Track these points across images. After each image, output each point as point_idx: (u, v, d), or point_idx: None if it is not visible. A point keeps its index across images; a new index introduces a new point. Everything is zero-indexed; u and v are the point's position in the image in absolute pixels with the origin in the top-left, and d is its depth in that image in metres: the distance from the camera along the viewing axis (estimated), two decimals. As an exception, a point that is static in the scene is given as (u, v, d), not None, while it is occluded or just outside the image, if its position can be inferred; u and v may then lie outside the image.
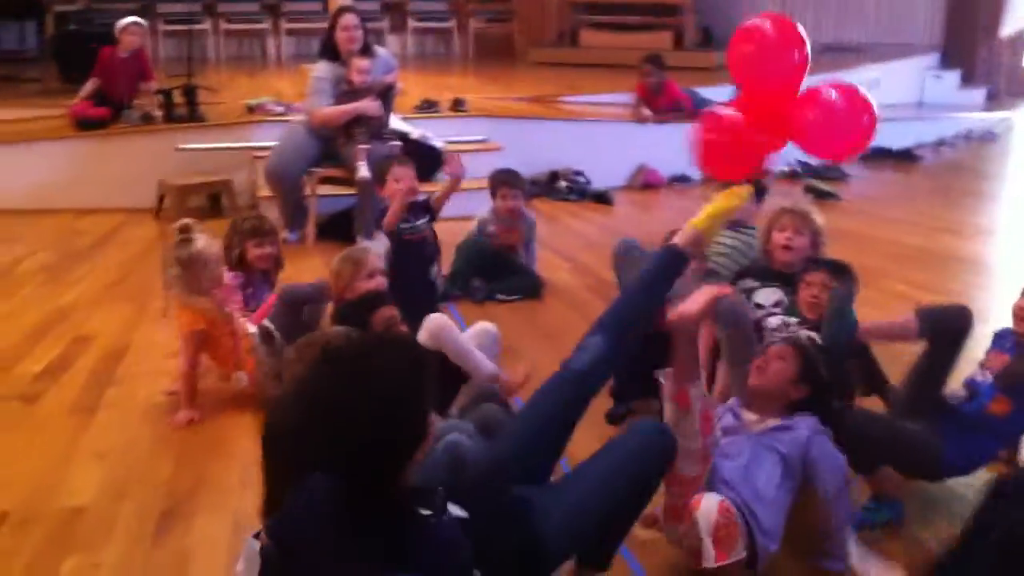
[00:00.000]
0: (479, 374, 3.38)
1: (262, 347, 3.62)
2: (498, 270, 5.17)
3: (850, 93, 2.90)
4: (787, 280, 3.69)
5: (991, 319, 3.45)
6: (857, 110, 2.93)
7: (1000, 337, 3.18)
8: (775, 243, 3.79)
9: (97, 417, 3.70)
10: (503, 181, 5.25)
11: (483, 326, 3.67)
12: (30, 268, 5.68)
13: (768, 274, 3.76)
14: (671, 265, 2.68)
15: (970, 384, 3.11)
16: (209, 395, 3.84)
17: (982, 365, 3.14)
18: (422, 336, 3.41)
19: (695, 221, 2.74)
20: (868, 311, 3.56)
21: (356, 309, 3.39)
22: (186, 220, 3.87)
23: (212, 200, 6.94)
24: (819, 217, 3.81)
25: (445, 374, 3.30)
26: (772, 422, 2.78)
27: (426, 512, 1.91)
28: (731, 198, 2.84)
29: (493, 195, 5.25)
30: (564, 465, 3.27)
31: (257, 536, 1.88)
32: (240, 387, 3.78)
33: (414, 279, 4.56)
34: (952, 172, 8.77)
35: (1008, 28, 11.54)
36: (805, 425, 2.72)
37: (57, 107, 7.62)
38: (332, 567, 1.81)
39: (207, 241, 3.80)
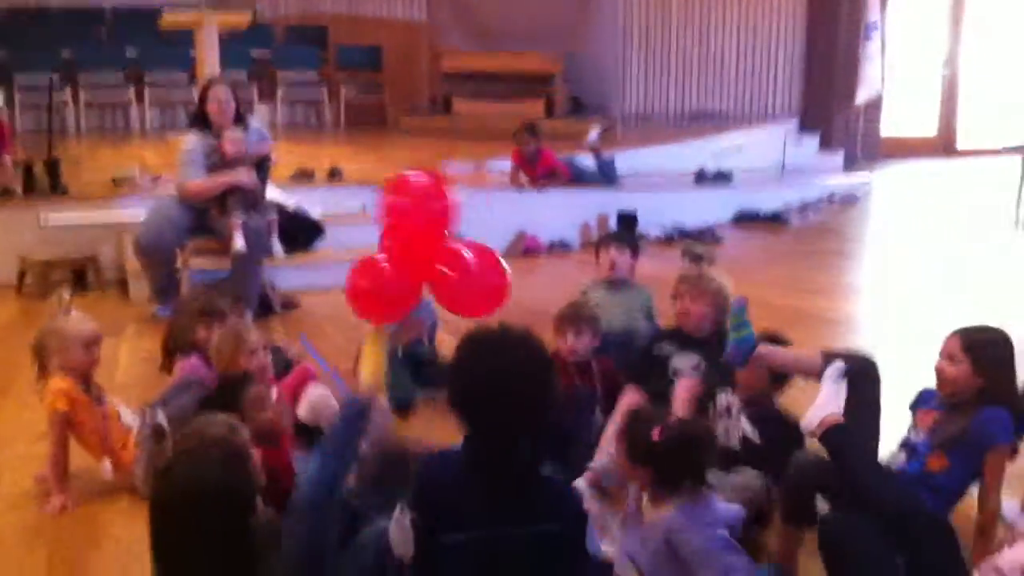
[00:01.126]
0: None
1: (150, 442, 3.38)
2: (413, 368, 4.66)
3: (486, 255, 3.15)
4: (702, 344, 3.70)
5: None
6: (492, 272, 3.19)
7: (925, 397, 3.19)
8: (677, 311, 3.83)
9: (-40, 513, 3.44)
10: None
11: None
12: None
13: (684, 339, 3.78)
14: (359, 417, 2.78)
15: (906, 445, 3.12)
16: (82, 478, 3.60)
17: (914, 425, 3.16)
18: (301, 411, 3.33)
19: (364, 378, 3.14)
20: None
21: (224, 391, 3.31)
22: (63, 293, 3.75)
23: (77, 276, 6.65)
24: (721, 277, 3.84)
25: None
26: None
27: (547, 472, 2.35)
28: (374, 344, 3.20)
29: None
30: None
31: (403, 511, 2.21)
32: (105, 478, 3.53)
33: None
34: (818, 234, 9.04)
35: (862, 95, 12.05)
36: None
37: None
38: (476, 517, 2.20)
39: (73, 320, 3.61)
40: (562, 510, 2.30)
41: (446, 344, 4.05)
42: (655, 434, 2.56)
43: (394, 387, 4.15)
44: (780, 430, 3.30)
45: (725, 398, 3.42)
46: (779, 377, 3.44)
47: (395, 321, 3.41)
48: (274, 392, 3.52)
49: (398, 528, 2.21)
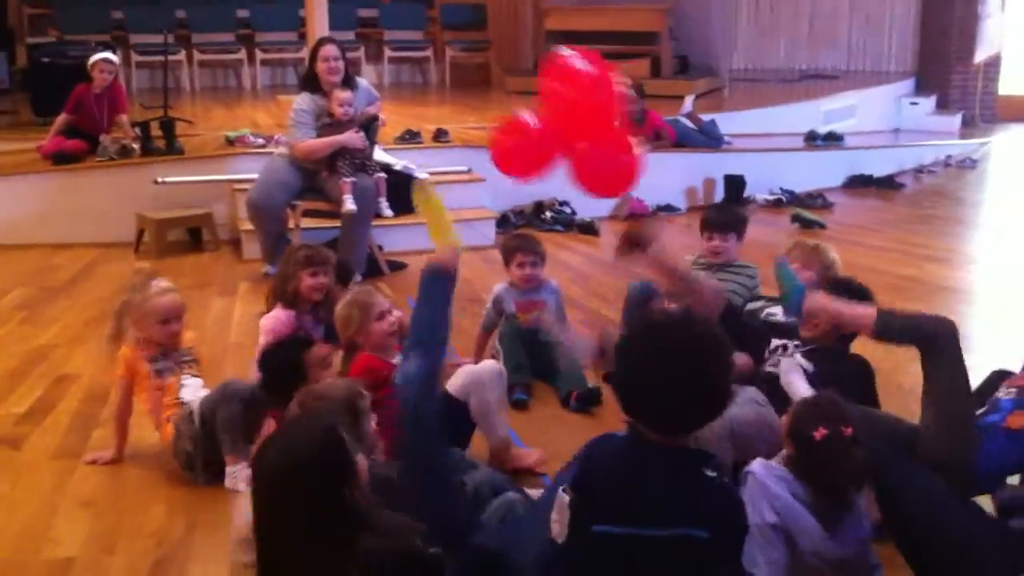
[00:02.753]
0: (492, 436, 3.39)
1: (182, 423, 3.44)
2: (537, 362, 4.39)
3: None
4: None
5: (983, 348, 3.39)
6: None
7: None
8: None
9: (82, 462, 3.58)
10: (517, 247, 4.53)
11: (490, 365, 3.58)
12: (6, 306, 5.54)
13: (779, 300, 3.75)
14: (445, 281, 2.85)
15: (993, 401, 3.05)
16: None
17: (1007, 384, 3.09)
18: (454, 382, 3.36)
19: (436, 242, 3.01)
20: (861, 342, 3.52)
21: (286, 352, 3.35)
22: (143, 266, 3.80)
23: (192, 234, 6.83)
24: (831, 252, 3.78)
25: (459, 415, 3.32)
26: None
27: (711, 473, 2.13)
28: (425, 202, 3.12)
29: (507, 264, 4.55)
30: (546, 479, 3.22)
31: (565, 491, 2.14)
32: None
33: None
34: (934, 199, 8.78)
35: (981, 54, 11.62)
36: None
37: (29, 140, 7.50)
38: (629, 511, 2.07)
39: (152, 293, 3.59)
40: (719, 517, 2.11)
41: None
42: (817, 434, 2.54)
43: (513, 370, 4.14)
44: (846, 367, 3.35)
45: (790, 344, 3.46)
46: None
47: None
48: (396, 358, 3.49)
49: (558, 509, 2.15)
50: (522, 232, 4.88)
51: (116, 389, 3.63)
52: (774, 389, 3.27)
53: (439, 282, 2.84)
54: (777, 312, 3.71)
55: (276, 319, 4.06)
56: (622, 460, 2.17)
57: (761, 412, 3.07)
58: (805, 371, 3.32)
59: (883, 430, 2.93)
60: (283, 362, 3.30)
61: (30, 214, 6.83)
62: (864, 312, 3.16)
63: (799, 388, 3.20)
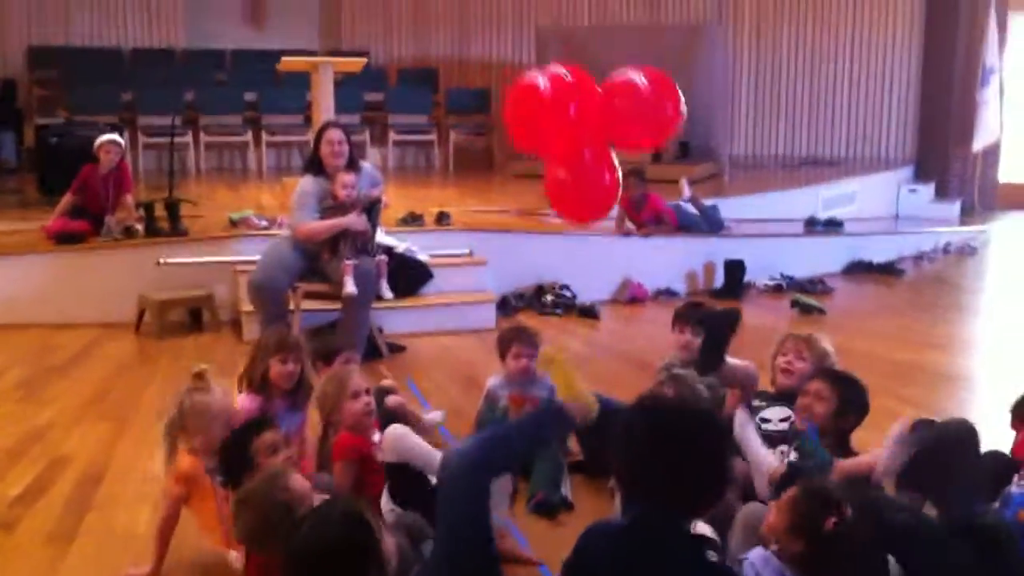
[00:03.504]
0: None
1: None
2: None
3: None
4: (794, 400, 3.64)
5: (983, 436, 3.36)
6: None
7: None
8: (776, 367, 3.77)
9: (75, 546, 3.54)
10: (513, 338, 4.44)
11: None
12: (5, 385, 5.53)
13: (775, 397, 3.73)
14: (558, 423, 2.89)
15: (1006, 495, 3.03)
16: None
17: (1020, 476, 3.07)
18: (384, 454, 3.35)
19: (566, 396, 2.96)
20: (860, 432, 3.53)
21: (235, 438, 3.22)
22: (203, 366, 3.55)
23: (193, 315, 6.84)
24: (826, 342, 3.78)
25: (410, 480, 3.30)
26: None
27: (714, 558, 2.18)
28: (559, 368, 3.08)
29: (503, 356, 4.44)
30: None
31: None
32: (233, 566, 3.21)
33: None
34: (934, 286, 8.80)
35: (979, 142, 11.75)
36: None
37: (34, 220, 7.56)
38: None
39: (218, 395, 3.47)
40: None
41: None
42: (829, 523, 2.49)
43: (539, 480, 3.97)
44: None
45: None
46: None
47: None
48: (376, 436, 3.54)
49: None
50: (520, 325, 4.80)
51: (167, 503, 3.35)
52: None
53: (555, 423, 2.89)
54: (770, 419, 3.64)
55: (240, 405, 3.87)
56: (619, 546, 2.16)
57: None
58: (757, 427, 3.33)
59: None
60: (231, 448, 3.20)
61: (32, 293, 6.85)
62: (872, 458, 3.19)
63: (754, 446, 3.17)
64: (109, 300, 6.85)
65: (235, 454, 3.18)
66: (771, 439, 3.52)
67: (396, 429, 3.39)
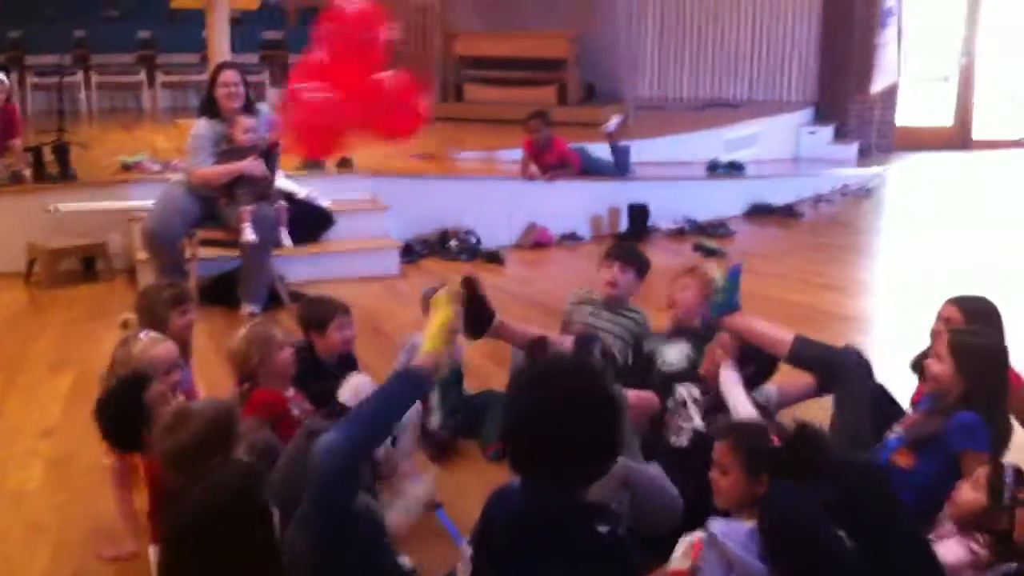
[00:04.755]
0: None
1: None
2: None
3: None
4: (692, 335, 3.68)
5: (878, 377, 3.45)
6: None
7: (925, 398, 3.22)
8: (666, 303, 3.83)
9: (-40, 508, 3.43)
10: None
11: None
12: None
13: (671, 332, 3.76)
14: (415, 388, 2.72)
15: (884, 441, 3.12)
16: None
17: (899, 423, 3.17)
18: (344, 394, 3.27)
19: (425, 347, 2.79)
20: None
21: (122, 394, 3.00)
22: (128, 316, 3.44)
23: (86, 264, 6.63)
24: (711, 270, 3.80)
25: None
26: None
27: (603, 528, 2.08)
28: (441, 310, 2.94)
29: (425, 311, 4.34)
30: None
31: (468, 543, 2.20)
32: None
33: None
34: (831, 227, 8.96)
35: (878, 84, 11.93)
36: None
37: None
38: (526, 568, 2.05)
39: (144, 346, 3.27)
40: (613, 572, 2.08)
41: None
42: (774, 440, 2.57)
43: (449, 414, 4.06)
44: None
45: (684, 390, 3.44)
46: (762, 367, 3.50)
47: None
48: (291, 391, 3.47)
49: (462, 562, 2.17)
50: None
51: (111, 476, 3.12)
52: (683, 462, 3.09)
53: (412, 387, 2.71)
54: (673, 361, 3.66)
55: None
56: (516, 515, 2.12)
57: (663, 481, 2.85)
58: (697, 431, 3.30)
59: None
60: (120, 406, 2.95)
61: (-87, 242, 6.57)
62: (782, 336, 3.26)
63: (741, 411, 3.17)
64: (-3, 249, 6.60)
65: (128, 408, 2.99)
66: (677, 376, 3.55)
67: (361, 376, 3.31)
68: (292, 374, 3.49)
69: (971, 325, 3.28)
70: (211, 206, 5.84)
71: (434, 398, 4.08)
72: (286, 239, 5.97)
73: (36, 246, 6.46)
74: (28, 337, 5.37)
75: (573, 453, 2.05)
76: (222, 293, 5.94)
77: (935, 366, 3.05)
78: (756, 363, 3.43)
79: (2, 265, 6.55)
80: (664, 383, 3.54)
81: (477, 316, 3.46)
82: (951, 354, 3.01)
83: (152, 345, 3.28)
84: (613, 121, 8.70)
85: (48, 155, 7.00)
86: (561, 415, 2.04)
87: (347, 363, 3.86)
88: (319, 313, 3.93)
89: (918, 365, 3.48)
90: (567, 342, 3.60)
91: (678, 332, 3.82)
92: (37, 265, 6.46)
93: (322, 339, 3.84)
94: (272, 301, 5.92)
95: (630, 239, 7.88)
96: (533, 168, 8.14)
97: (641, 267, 4.23)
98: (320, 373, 3.69)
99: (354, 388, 3.19)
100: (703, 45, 12.98)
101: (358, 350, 5.10)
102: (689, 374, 3.52)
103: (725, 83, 12.87)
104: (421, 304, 3.74)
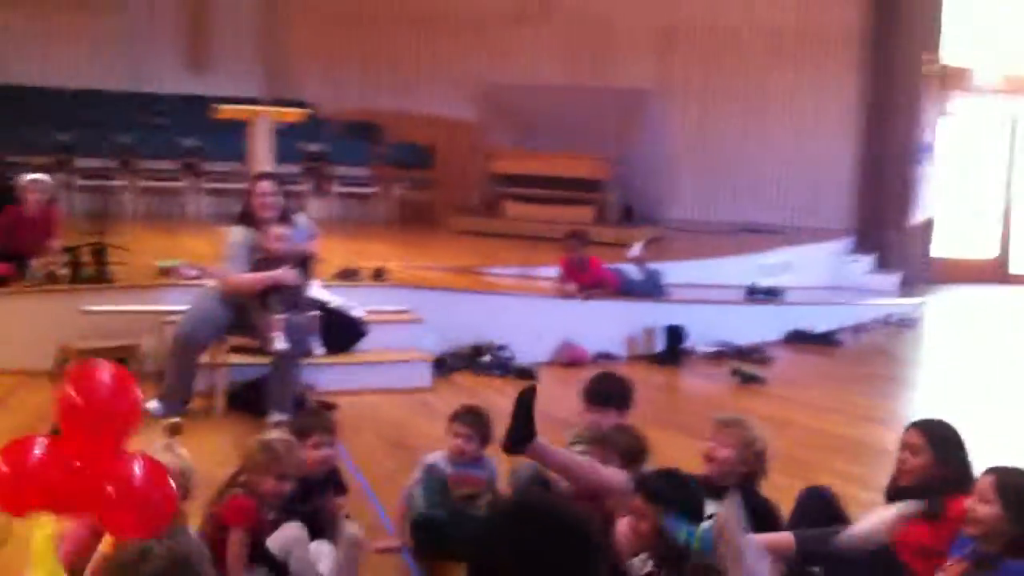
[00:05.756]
0: None
1: None
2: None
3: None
4: (720, 494, 3.50)
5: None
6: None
7: (961, 542, 3.03)
8: (705, 455, 3.68)
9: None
10: (458, 416, 4.21)
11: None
12: (-92, 434, 5.23)
13: (714, 487, 3.57)
14: None
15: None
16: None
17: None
18: (273, 543, 3.29)
19: None
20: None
21: None
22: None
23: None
24: (755, 428, 3.65)
25: None
26: None
27: None
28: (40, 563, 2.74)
29: (451, 430, 4.19)
30: None
31: None
32: None
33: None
34: (872, 357, 8.80)
35: (917, 216, 11.90)
36: None
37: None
38: None
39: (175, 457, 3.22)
40: None
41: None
42: None
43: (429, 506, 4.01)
44: None
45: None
46: None
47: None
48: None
49: None
50: (475, 407, 4.35)
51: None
52: None
53: None
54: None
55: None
56: None
57: None
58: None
59: None
60: None
61: (-54, 337, 6.56)
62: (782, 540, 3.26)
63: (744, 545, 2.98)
64: (29, 347, 6.56)
65: None
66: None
67: (294, 530, 3.36)
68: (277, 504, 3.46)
69: (936, 450, 3.28)
70: (243, 313, 5.80)
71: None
72: (317, 348, 5.91)
73: (68, 346, 6.43)
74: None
75: None
76: (250, 401, 5.85)
77: (981, 508, 2.87)
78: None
79: (32, 363, 6.50)
80: None
81: (520, 431, 3.35)
82: (998, 495, 2.84)
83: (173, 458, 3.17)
84: (636, 246, 8.69)
85: (86, 256, 7.02)
86: (540, 555, 1.81)
87: (330, 478, 3.86)
88: (300, 426, 3.90)
89: (892, 493, 3.36)
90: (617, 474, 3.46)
91: (712, 491, 3.62)
92: (68, 365, 6.40)
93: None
94: (298, 410, 5.81)
95: (665, 361, 7.77)
96: (569, 286, 8.09)
97: (620, 404, 4.17)
98: (302, 483, 3.62)
99: (283, 540, 3.28)
100: (740, 169, 13.02)
101: (381, 463, 5.02)
102: None
103: (763, 208, 12.87)
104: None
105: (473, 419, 4.17)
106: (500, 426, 4.00)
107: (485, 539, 1.89)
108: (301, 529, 3.40)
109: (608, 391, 4.20)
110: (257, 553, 3.32)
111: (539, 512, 1.89)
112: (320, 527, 3.61)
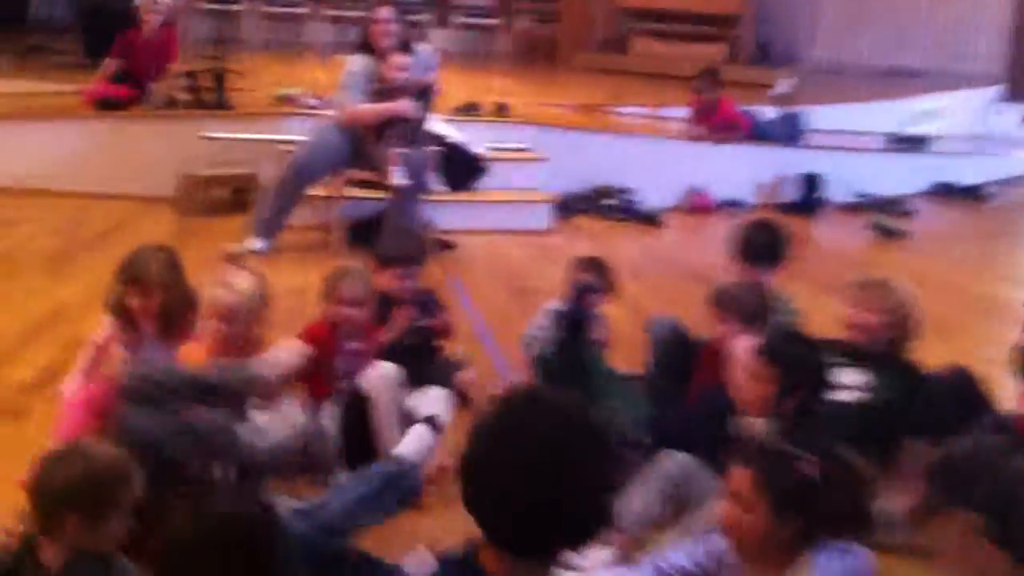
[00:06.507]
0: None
1: None
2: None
3: None
4: (879, 361, 3.24)
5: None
6: None
7: None
8: (848, 320, 3.37)
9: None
10: (579, 264, 3.86)
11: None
12: (32, 256, 5.29)
13: (857, 353, 3.31)
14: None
15: None
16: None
17: None
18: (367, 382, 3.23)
19: None
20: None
21: None
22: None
23: (235, 193, 6.51)
24: (901, 290, 3.34)
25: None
26: None
27: None
28: None
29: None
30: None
31: None
32: None
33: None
34: (1021, 214, 8.24)
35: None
36: None
37: (78, 83, 7.21)
38: None
39: (224, 286, 3.16)
40: None
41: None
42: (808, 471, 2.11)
43: None
44: None
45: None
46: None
47: None
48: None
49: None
50: (596, 258, 3.96)
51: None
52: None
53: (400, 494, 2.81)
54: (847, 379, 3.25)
55: None
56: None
57: None
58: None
59: None
60: None
61: (69, 161, 6.57)
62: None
63: None
64: (148, 172, 6.56)
65: None
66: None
67: (392, 373, 3.25)
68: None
69: None
70: (362, 146, 5.63)
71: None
72: (436, 184, 5.72)
73: (188, 173, 6.37)
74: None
75: (541, 511, 1.56)
76: (371, 235, 5.72)
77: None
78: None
79: (151, 189, 6.50)
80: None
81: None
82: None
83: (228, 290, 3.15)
84: (785, 84, 8.15)
85: (206, 81, 6.90)
86: (532, 461, 1.56)
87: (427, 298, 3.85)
88: (384, 255, 3.83)
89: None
90: None
91: (865, 356, 3.34)
92: (187, 192, 6.36)
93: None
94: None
95: (798, 211, 7.39)
96: (699, 129, 7.68)
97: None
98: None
99: (372, 378, 3.22)
100: (885, 8, 12.16)
101: (500, 306, 4.86)
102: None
103: (910, 52, 12.04)
104: None
105: (596, 269, 3.89)
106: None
107: (494, 431, 1.63)
108: (393, 370, 3.26)
109: (765, 243, 3.85)
110: (328, 379, 3.29)
111: (552, 405, 1.64)
112: (425, 373, 3.48)
